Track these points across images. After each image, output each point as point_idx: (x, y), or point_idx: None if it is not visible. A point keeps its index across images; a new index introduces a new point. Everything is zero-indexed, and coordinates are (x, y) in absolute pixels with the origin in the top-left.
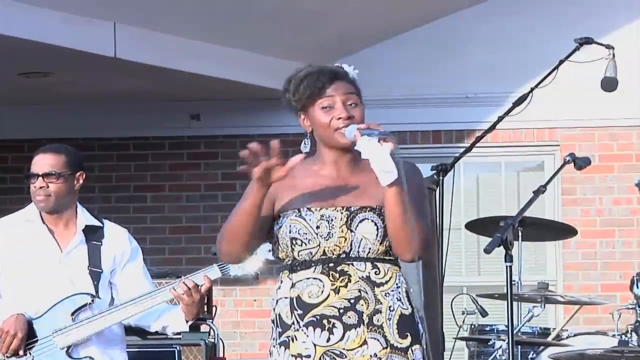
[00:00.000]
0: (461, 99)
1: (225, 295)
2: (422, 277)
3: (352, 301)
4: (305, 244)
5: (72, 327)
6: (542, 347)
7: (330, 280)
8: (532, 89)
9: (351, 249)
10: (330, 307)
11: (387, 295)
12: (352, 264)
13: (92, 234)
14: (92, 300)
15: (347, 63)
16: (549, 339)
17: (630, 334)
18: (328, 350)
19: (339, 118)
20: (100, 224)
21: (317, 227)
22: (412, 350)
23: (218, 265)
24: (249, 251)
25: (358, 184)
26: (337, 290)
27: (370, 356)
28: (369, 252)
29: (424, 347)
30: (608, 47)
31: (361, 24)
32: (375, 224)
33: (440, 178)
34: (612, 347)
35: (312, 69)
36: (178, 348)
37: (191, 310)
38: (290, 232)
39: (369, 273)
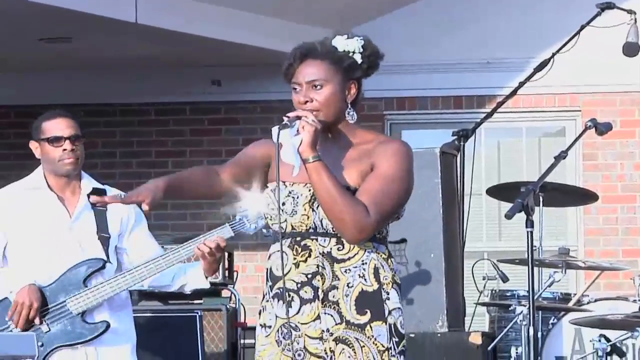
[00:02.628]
0: (482, 65)
1: (247, 261)
2: (443, 243)
3: (309, 276)
4: (273, 219)
5: (86, 291)
6: (562, 313)
7: (294, 255)
8: (553, 54)
9: (317, 225)
10: (290, 281)
11: (347, 271)
12: (317, 239)
13: None
14: (104, 266)
15: (369, 28)
16: (570, 304)
17: None
18: (286, 323)
19: (299, 102)
20: (104, 188)
21: (283, 204)
22: (370, 327)
23: (230, 225)
24: (220, 192)
25: (334, 161)
26: (297, 265)
27: (322, 331)
28: (334, 228)
29: (393, 323)
30: (630, 12)
31: None
32: None
33: (462, 144)
34: (632, 313)
35: (295, 48)
36: (199, 313)
37: (213, 267)
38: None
39: (331, 249)
